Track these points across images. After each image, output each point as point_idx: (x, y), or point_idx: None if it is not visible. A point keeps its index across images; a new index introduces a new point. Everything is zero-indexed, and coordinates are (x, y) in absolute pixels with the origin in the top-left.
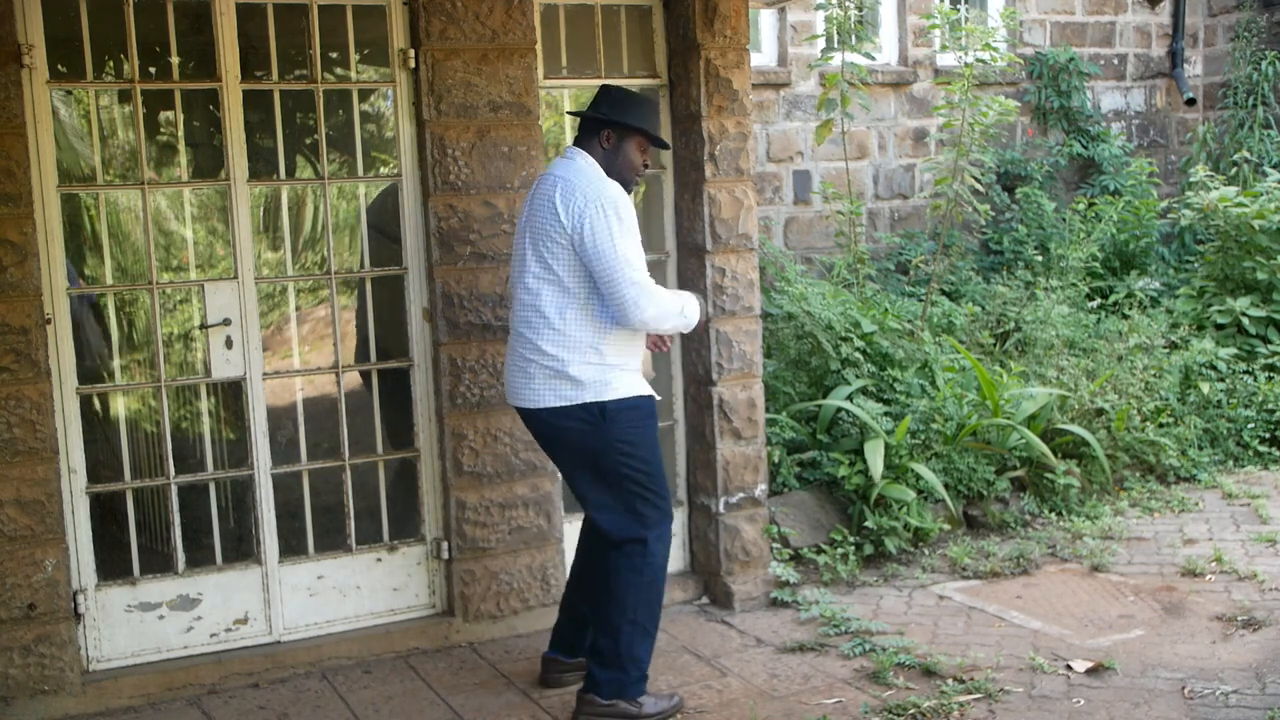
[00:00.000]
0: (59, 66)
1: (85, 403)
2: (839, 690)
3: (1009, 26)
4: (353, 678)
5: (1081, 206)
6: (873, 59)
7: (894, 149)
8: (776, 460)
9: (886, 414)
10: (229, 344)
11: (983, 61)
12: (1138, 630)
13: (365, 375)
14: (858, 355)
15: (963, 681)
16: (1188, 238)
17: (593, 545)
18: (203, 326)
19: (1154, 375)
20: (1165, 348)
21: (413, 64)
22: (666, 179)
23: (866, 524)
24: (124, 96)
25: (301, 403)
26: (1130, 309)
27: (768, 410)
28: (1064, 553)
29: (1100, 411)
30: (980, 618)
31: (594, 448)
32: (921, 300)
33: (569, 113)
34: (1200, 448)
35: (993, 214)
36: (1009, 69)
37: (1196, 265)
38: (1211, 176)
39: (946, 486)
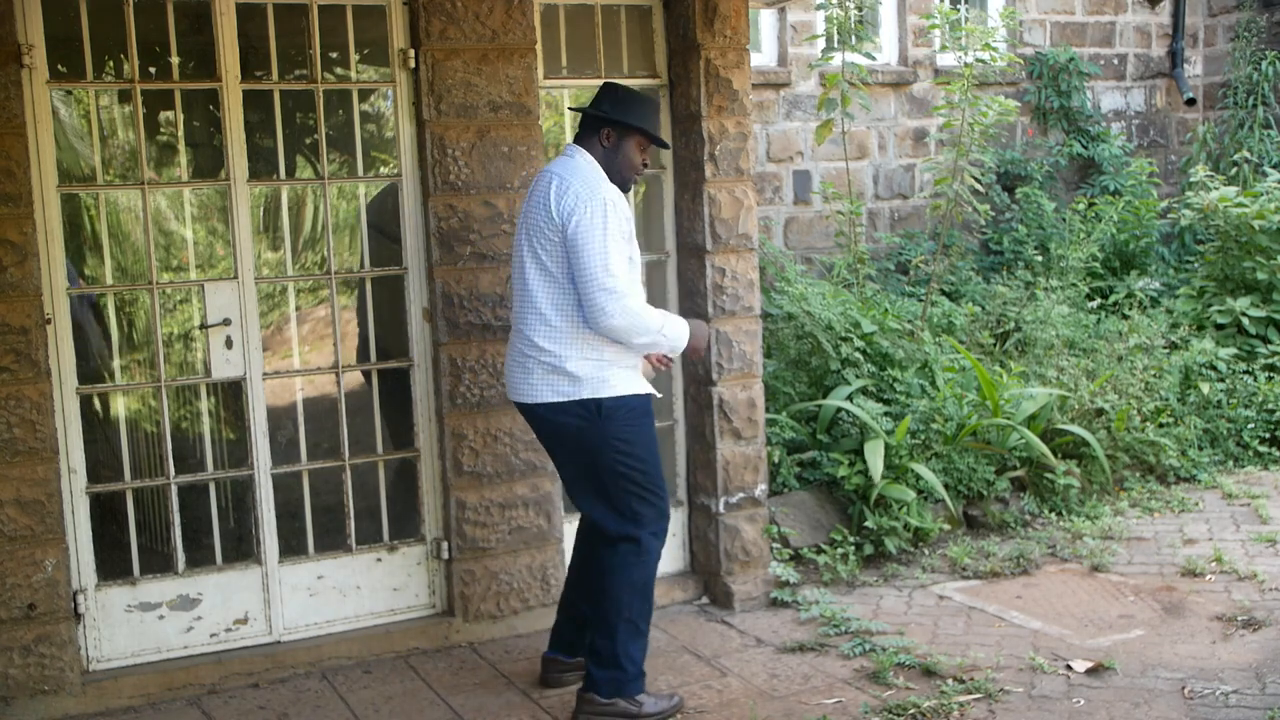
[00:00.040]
0: (59, 66)
1: (85, 403)
2: (839, 690)
3: (1009, 26)
4: (353, 678)
5: (1081, 206)
6: (873, 59)
7: (894, 149)
8: (776, 460)
9: (886, 414)
10: (229, 344)
11: (983, 61)
12: (1138, 630)
13: (365, 375)
14: (858, 355)
15: (963, 681)
16: (1188, 238)
17: (589, 543)
18: (203, 326)
19: (1154, 375)
20: (1165, 348)
21: (413, 64)
22: (666, 179)
23: (866, 524)
24: (124, 96)
25: (301, 403)
26: (1130, 309)
27: (768, 410)
28: (1064, 553)
29: (1100, 411)
30: (980, 618)
31: (591, 444)
32: (921, 300)
33: (571, 108)
34: (1200, 448)
35: (993, 214)
36: (1009, 69)
37: (1196, 265)
38: (1211, 176)
39: (946, 486)
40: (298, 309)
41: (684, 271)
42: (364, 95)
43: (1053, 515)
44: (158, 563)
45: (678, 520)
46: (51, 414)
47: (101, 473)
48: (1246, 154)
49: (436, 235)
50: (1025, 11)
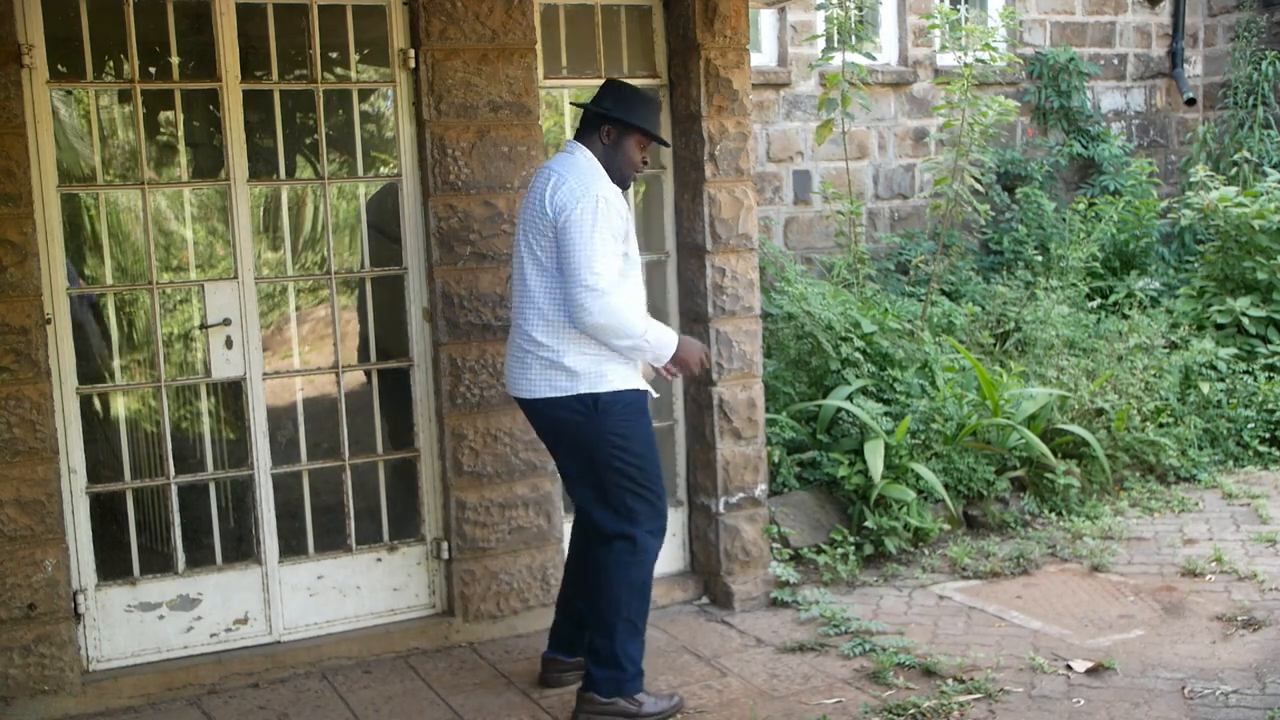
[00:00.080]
0: (59, 66)
1: (85, 403)
2: (839, 690)
3: (1009, 26)
4: (353, 678)
5: (1081, 206)
6: (873, 59)
7: (894, 149)
8: (776, 460)
9: (886, 414)
10: (229, 344)
11: (982, 61)
12: (1138, 630)
13: (365, 375)
14: (858, 355)
15: (963, 681)
16: (1188, 238)
17: (585, 541)
18: (203, 326)
19: (1154, 375)
20: (1165, 348)
21: (413, 64)
22: (666, 179)
23: (866, 524)
24: (124, 96)
25: (301, 403)
26: (1130, 309)
27: (768, 410)
28: (1064, 553)
29: (1100, 411)
30: (980, 618)
31: (588, 439)
32: (921, 300)
33: (573, 104)
34: (1200, 448)
35: (993, 214)
36: (1009, 69)
37: (1196, 265)
38: (1211, 176)
39: (946, 486)
40: (298, 309)
41: (684, 271)
42: (364, 95)
43: (1053, 515)
44: (158, 563)
45: (678, 520)
46: (51, 414)
47: (101, 473)
48: (1246, 154)
49: (436, 235)
50: (1025, 11)
